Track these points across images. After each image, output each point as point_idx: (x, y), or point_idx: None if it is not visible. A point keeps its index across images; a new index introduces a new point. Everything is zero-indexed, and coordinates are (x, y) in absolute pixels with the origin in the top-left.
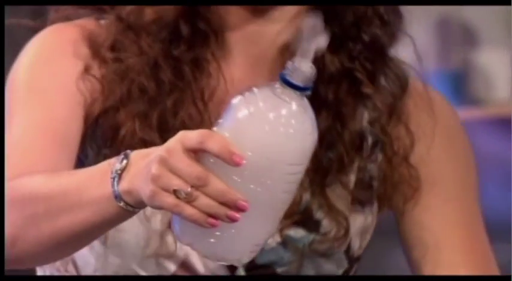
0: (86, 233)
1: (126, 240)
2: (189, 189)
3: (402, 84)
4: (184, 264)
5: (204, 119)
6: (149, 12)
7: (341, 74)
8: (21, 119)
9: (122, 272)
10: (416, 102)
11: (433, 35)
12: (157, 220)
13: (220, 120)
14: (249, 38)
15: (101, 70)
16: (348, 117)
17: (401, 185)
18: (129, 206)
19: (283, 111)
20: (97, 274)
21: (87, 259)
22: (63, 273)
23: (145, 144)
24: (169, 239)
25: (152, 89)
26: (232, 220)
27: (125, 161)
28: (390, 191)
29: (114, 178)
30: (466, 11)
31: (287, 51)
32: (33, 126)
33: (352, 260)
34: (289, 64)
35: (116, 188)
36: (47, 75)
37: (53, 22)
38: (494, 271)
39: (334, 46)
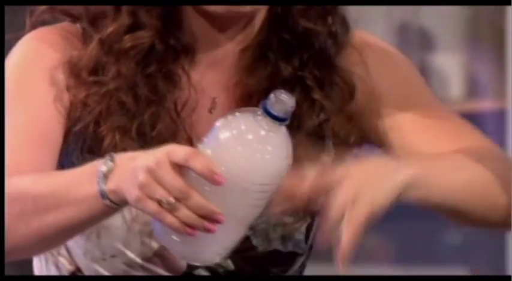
0: (72, 229)
1: (111, 223)
2: (172, 200)
3: (350, 90)
4: None
5: (178, 128)
6: (127, 39)
7: (294, 80)
8: (8, 122)
9: (109, 252)
10: (370, 53)
11: (393, 39)
12: None
13: (205, 139)
14: (213, 47)
15: (81, 90)
16: (303, 119)
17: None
18: (114, 204)
19: (261, 138)
20: (87, 255)
21: (76, 242)
22: (56, 256)
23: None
24: (149, 216)
25: (130, 104)
26: (209, 231)
27: (110, 163)
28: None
29: (100, 178)
30: (424, 17)
31: (244, 62)
32: (19, 129)
33: (311, 215)
34: (271, 95)
35: (102, 187)
36: (31, 82)
37: (32, 27)
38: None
39: (286, 53)
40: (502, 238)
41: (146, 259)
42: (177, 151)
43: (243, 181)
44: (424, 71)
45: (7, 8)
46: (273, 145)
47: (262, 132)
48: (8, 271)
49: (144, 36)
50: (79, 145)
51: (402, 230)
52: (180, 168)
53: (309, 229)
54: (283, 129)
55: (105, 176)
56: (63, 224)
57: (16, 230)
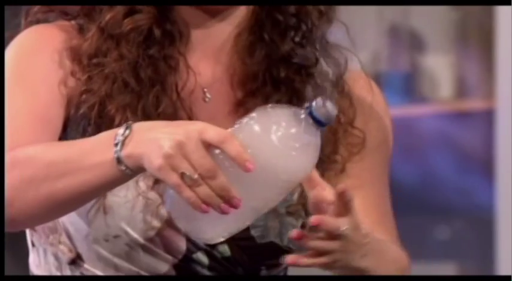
0: (84, 195)
1: (116, 202)
2: (196, 175)
3: (340, 65)
4: (168, 222)
5: (178, 108)
6: (127, 23)
7: (290, 57)
8: (9, 106)
9: (113, 233)
10: (355, 79)
11: (384, 40)
12: (143, 182)
13: (237, 125)
14: (208, 35)
15: (83, 75)
16: (303, 91)
17: (343, 148)
18: (129, 170)
19: (299, 137)
20: (89, 237)
21: (78, 225)
22: (56, 245)
23: None
24: (152, 195)
25: (134, 85)
26: (224, 212)
27: (128, 131)
28: (332, 153)
29: (117, 144)
30: (414, 19)
31: (240, 45)
32: (19, 111)
33: (307, 212)
34: (318, 99)
35: (119, 153)
36: (31, 68)
37: (28, 27)
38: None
39: (281, 33)
40: (490, 233)
41: (148, 239)
42: (211, 131)
43: (270, 174)
44: (415, 71)
45: (6, 8)
46: (308, 146)
47: (301, 132)
48: (8, 271)
49: (143, 19)
50: (80, 129)
51: None
52: (208, 147)
53: (303, 227)
54: (318, 133)
55: (123, 142)
56: (75, 191)
57: (25, 196)
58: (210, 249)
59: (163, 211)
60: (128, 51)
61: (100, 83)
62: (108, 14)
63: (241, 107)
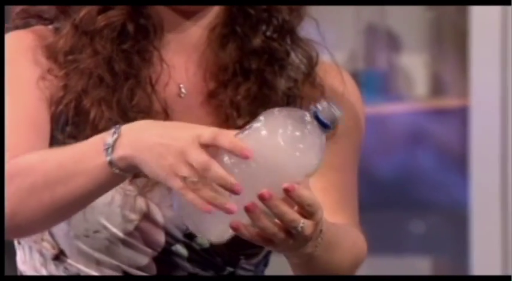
0: (83, 199)
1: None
2: (195, 179)
3: (312, 58)
4: (146, 215)
5: (152, 101)
6: (100, 19)
7: (261, 49)
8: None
9: (92, 228)
10: (326, 70)
11: (361, 40)
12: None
13: (246, 129)
14: (182, 32)
15: (60, 71)
16: (274, 81)
17: None
18: (122, 172)
19: (305, 139)
20: (70, 232)
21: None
22: (39, 242)
23: (112, 124)
24: (129, 188)
25: (109, 79)
26: (229, 212)
27: (116, 135)
28: None
29: (108, 149)
30: (390, 19)
31: (213, 38)
32: (11, 120)
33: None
34: (322, 102)
35: (111, 156)
36: (12, 74)
37: (6, 31)
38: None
39: (252, 27)
40: (465, 227)
41: (127, 234)
42: (206, 133)
43: (275, 175)
44: (391, 70)
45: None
46: (313, 148)
47: (306, 134)
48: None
49: (116, 15)
50: (59, 128)
51: (366, 220)
52: (212, 155)
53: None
54: (323, 136)
55: (113, 145)
56: (73, 196)
57: (28, 204)
58: (188, 241)
59: (140, 204)
60: (102, 47)
61: (76, 79)
62: (82, 11)
63: (214, 99)
